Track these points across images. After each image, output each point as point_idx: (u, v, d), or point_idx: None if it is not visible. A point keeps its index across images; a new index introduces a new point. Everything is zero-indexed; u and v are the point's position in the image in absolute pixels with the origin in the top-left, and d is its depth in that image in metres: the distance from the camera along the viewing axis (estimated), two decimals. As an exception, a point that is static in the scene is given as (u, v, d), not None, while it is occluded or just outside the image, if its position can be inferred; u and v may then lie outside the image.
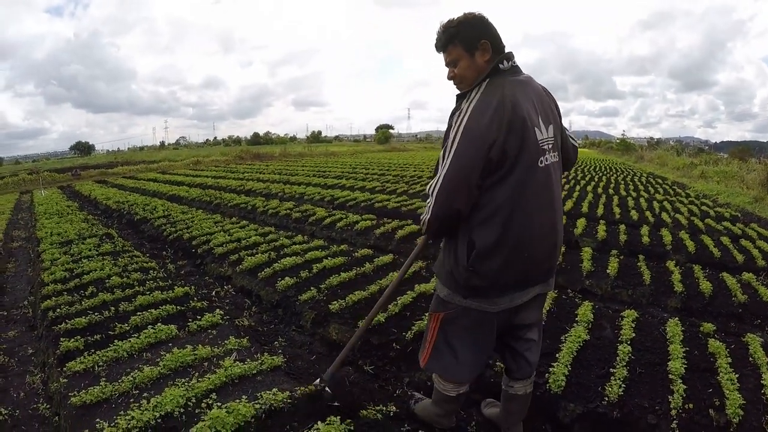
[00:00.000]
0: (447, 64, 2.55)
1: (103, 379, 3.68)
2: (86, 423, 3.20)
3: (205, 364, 3.95)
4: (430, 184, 2.45)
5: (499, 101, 2.27)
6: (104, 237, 9.18)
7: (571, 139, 2.83)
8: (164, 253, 8.71)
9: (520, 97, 2.33)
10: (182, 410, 3.23)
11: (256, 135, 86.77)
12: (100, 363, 3.94)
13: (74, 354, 4.12)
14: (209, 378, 3.60)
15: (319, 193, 14.21)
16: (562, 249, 7.19)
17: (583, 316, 4.59)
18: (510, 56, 2.45)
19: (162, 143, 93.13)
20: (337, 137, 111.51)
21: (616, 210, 11.26)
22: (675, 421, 3.10)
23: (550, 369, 3.62)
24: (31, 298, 6.50)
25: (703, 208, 12.70)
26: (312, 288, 5.60)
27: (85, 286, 5.94)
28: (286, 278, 5.94)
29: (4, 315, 6.04)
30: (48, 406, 3.85)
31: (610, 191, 15.71)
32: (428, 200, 2.46)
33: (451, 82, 2.57)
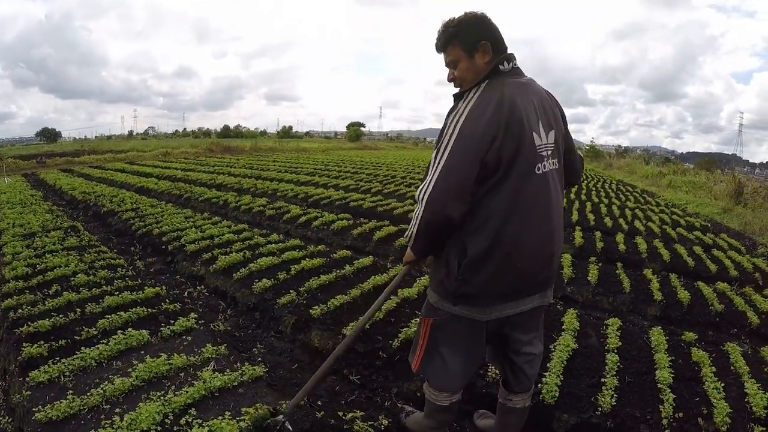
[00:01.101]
0: (447, 65, 2.49)
1: (70, 391, 3.38)
2: (53, 442, 2.92)
3: (182, 374, 3.70)
4: (419, 188, 2.33)
5: (497, 103, 2.19)
6: (69, 230, 8.76)
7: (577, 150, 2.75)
8: (132, 248, 8.36)
9: (519, 100, 2.25)
10: (159, 428, 2.99)
11: (226, 128, 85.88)
12: (66, 373, 3.64)
13: (38, 361, 3.81)
14: (187, 391, 3.36)
15: (292, 190, 14.00)
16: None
17: (569, 324, 4.52)
18: (511, 57, 2.38)
19: (130, 133, 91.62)
20: (308, 133, 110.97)
21: (590, 216, 11.24)
22: (667, 430, 3.13)
23: (543, 379, 3.56)
24: (-11, 296, 6.10)
25: (674, 217, 12.84)
26: (291, 291, 5.39)
27: (49, 284, 5.59)
28: (263, 280, 5.70)
29: (-41, 313, 5.63)
30: (10, 419, 3.54)
31: (583, 197, 15.89)
32: (416, 208, 2.36)
33: (452, 84, 2.50)
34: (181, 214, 10.19)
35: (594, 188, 19.74)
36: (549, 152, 2.37)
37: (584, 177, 25.97)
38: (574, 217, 11.15)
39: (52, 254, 6.90)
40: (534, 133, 2.27)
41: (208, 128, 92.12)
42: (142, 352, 4.03)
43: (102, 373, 3.70)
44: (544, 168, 2.34)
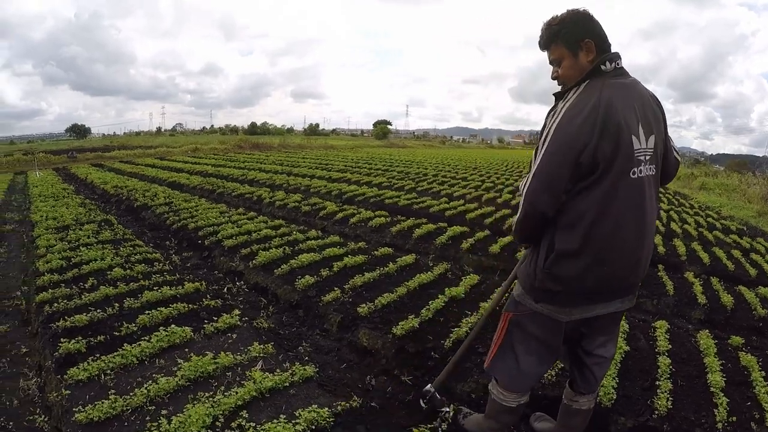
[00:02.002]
0: (550, 63, 2.43)
1: (112, 390, 3.17)
2: (94, 445, 2.70)
3: (229, 374, 3.49)
4: (522, 182, 2.35)
5: (594, 104, 2.14)
6: (103, 223, 8.65)
7: (674, 153, 2.63)
8: (168, 243, 8.21)
9: (619, 102, 2.18)
10: (209, 431, 2.76)
11: (253, 125, 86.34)
12: (107, 370, 3.43)
13: (75, 358, 3.61)
14: (237, 392, 3.16)
15: (325, 186, 13.84)
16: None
17: (620, 327, 4.22)
18: (615, 57, 2.31)
19: (158, 129, 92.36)
20: (334, 131, 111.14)
21: None
22: None
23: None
24: (24, 288, 5.92)
25: (709, 219, 12.50)
26: (335, 288, 5.20)
27: (85, 278, 5.42)
28: (306, 276, 5.50)
29: (-7, 307, 5.46)
30: (46, 418, 3.30)
31: None
32: (521, 197, 2.33)
33: (555, 82, 2.44)
34: (215, 209, 10.06)
35: None
36: (647, 157, 2.28)
37: None
38: None
39: (86, 247, 6.75)
40: (633, 137, 2.19)
41: (235, 125, 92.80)
42: (186, 349, 3.82)
43: (145, 371, 3.49)
44: (641, 173, 2.25)
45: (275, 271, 5.89)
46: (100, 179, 15.96)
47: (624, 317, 4.49)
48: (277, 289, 5.59)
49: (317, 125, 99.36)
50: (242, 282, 6.08)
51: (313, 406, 3.02)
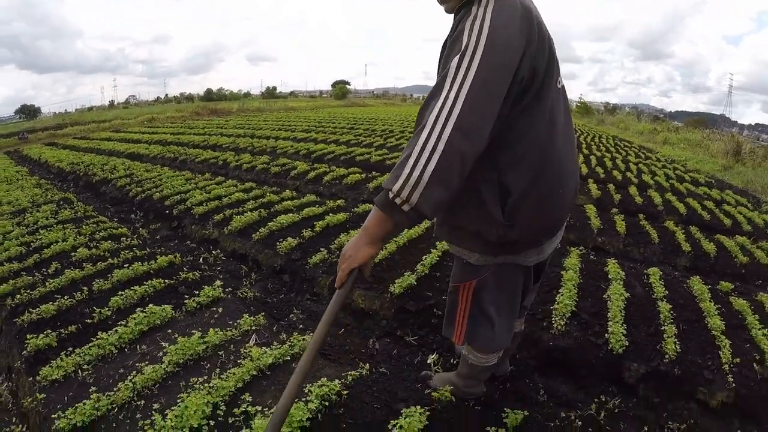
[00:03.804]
0: None
1: (92, 387, 2.79)
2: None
3: (221, 353, 3.16)
4: (432, 108, 1.65)
5: (522, 8, 1.74)
6: (62, 202, 8.12)
7: None
8: (133, 216, 7.78)
9: (535, 8, 1.84)
10: (211, 422, 2.46)
11: (209, 91, 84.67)
12: (84, 365, 3.04)
13: (47, 354, 3.21)
14: (234, 373, 2.83)
15: (291, 147, 13.54)
16: None
17: (615, 274, 4.40)
18: None
19: (111, 103, 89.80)
20: (292, 93, 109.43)
21: (599, 170, 11.37)
22: (729, 376, 3.05)
23: (608, 329, 3.42)
24: (-19, 283, 5.47)
25: (677, 172, 12.87)
26: (321, 249, 4.95)
27: (47, 262, 4.95)
28: (288, 239, 5.20)
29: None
30: (24, 428, 2.91)
31: (584, 150, 15.84)
32: (425, 136, 1.62)
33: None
34: (180, 176, 9.61)
35: (592, 143, 19.69)
36: (557, 65, 1.97)
37: (579, 131, 26.36)
38: (584, 169, 11.19)
39: (46, 229, 6.24)
40: (552, 43, 1.89)
41: (190, 93, 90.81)
42: (169, 330, 3.47)
43: (126, 360, 3.13)
44: (561, 82, 2.01)
45: (253, 235, 5.58)
46: (54, 158, 15.23)
47: (617, 264, 4.63)
48: (257, 254, 5.29)
49: (275, 88, 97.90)
50: (218, 250, 5.75)
51: (322, 379, 2.74)
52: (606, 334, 3.35)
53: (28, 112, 78.95)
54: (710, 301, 3.98)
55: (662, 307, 3.76)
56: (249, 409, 2.54)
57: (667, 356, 3.17)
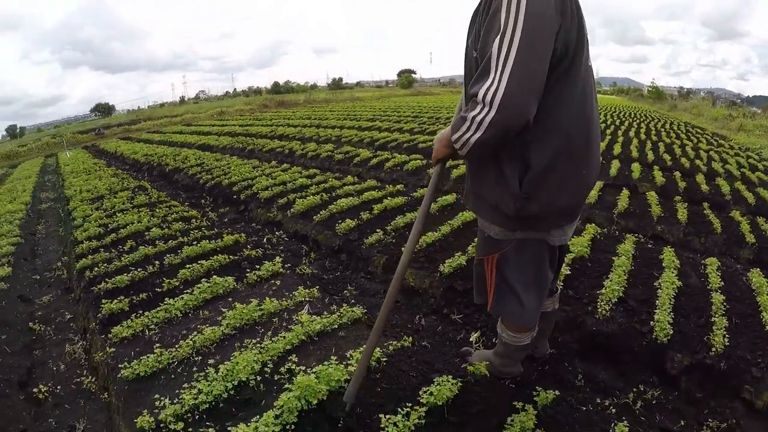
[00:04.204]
0: None
1: (157, 344, 3.07)
2: (142, 399, 2.64)
3: (275, 320, 3.37)
4: (481, 86, 1.78)
5: None
6: (137, 189, 8.62)
7: None
8: (203, 201, 8.21)
9: None
10: (258, 378, 2.66)
11: (276, 84, 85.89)
12: (151, 326, 3.35)
13: (119, 317, 3.53)
14: (284, 336, 3.02)
15: (356, 135, 13.71)
16: (627, 192, 7.27)
17: (669, 263, 4.23)
18: None
19: (182, 98, 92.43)
20: (358, 83, 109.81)
21: (666, 156, 11.01)
22: None
23: (654, 317, 3.31)
24: (64, 258, 5.96)
25: (750, 161, 12.28)
26: (377, 230, 5.08)
27: (123, 241, 5.36)
28: (347, 220, 5.38)
29: (36, 279, 5.49)
30: (94, 379, 3.28)
31: (653, 137, 15.42)
32: (475, 111, 1.81)
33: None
34: (247, 164, 9.99)
35: (663, 129, 19.12)
36: (587, 42, 2.02)
37: (650, 117, 25.67)
38: (650, 156, 10.86)
39: (122, 213, 6.71)
40: (584, 21, 1.94)
41: (258, 86, 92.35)
42: (230, 299, 3.72)
43: (189, 323, 3.40)
44: (590, 61, 2.05)
45: (314, 217, 5.80)
46: (129, 150, 16.03)
47: (673, 253, 4.48)
48: (317, 235, 5.51)
49: (341, 79, 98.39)
50: (281, 231, 6.03)
51: (364, 346, 2.88)
52: (651, 322, 3.28)
53: (103, 109, 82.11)
54: None
55: (715, 299, 3.60)
56: (293, 368, 2.72)
57: (713, 349, 3.05)
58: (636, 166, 9.12)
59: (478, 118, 1.80)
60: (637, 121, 22.71)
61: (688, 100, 46.56)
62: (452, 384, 2.51)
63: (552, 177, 1.98)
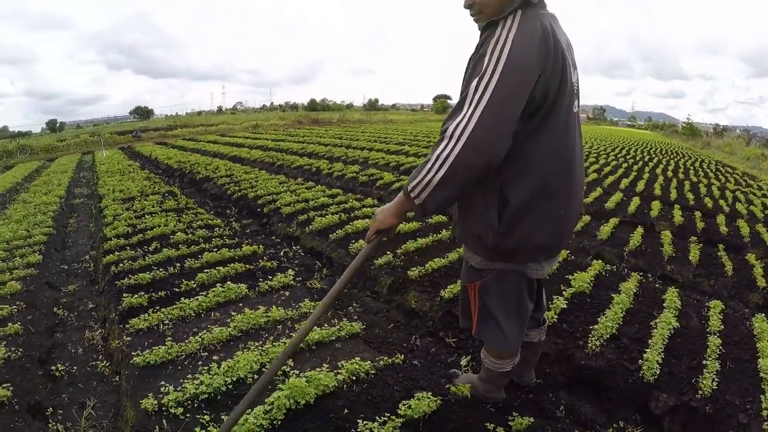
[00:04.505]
0: None
1: (169, 338, 3.37)
2: (150, 385, 2.92)
3: (279, 327, 3.63)
4: (451, 122, 1.93)
5: (542, 33, 1.93)
6: (167, 194, 9.00)
7: None
8: (228, 211, 8.52)
9: (557, 32, 2.02)
10: (255, 377, 2.92)
11: (312, 101, 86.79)
12: (166, 321, 3.65)
13: (137, 311, 3.85)
14: (285, 342, 3.28)
15: (383, 158, 13.91)
16: (641, 230, 7.17)
17: (670, 303, 4.26)
18: None
19: (219, 108, 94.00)
20: (393, 105, 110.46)
21: (689, 195, 10.86)
22: (767, 422, 2.87)
23: (643, 356, 3.36)
24: (92, 252, 6.34)
25: None
26: (388, 252, 5.26)
27: (149, 242, 5.71)
28: (360, 241, 5.61)
29: (64, 269, 5.88)
30: (108, 364, 3.60)
31: (680, 175, 15.31)
32: (441, 147, 1.93)
33: (468, 12, 2.14)
34: (274, 179, 10.30)
35: (692, 167, 18.91)
36: (577, 90, 2.18)
37: (681, 155, 25.18)
38: (673, 195, 10.74)
39: (151, 215, 7.08)
40: (571, 68, 2.06)
41: (294, 102, 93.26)
42: (240, 304, 3.99)
43: (200, 323, 3.68)
44: (576, 107, 2.15)
45: (330, 236, 6.04)
46: (163, 155, 16.53)
47: (677, 294, 4.49)
48: (331, 252, 5.74)
49: (376, 100, 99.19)
50: (298, 246, 6.28)
51: (356, 358, 3.10)
52: (640, 361, 3.32)
53: (142, 113, 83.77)
54: None
55: (711, 342, 3.62)
56: (288, 371, 2.98)
57: (701, 392, 3.07)
58: (656, 204, 9.13)
59: (443, 155, 1.91)
60: (667, 158, 22.65)
61: (722, 137, 45.82)
62: (431, 400, 2.69)
63: (529, 215, 2.09)
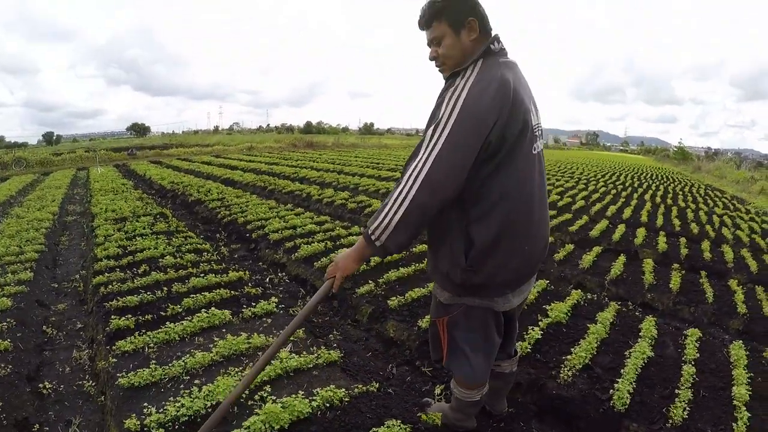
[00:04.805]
0: (429, 43, 2.30)
1: (153, 361, 3.53)
2: (133, 406, 3.06)
3: (260, 353, 3.75)
4: (409, 166, 2.10)
5: (499, 81, 2.06)
6: (158, 216, 9.15)
7: None
8: (218, 235, 8.65)
9: (515, 80, 2.15)
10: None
11: (308, 124, 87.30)
12: (151, 344, 3.80)
13: (124, 333, 4.00)
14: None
15: (374, 185, 14.04)
16: (623, 259, 7.21)
17: (647, 332, 4.37)
18: (498, 38, 2.24)
19: (216, 128, 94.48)
20: (389, 130, 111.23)
21: (676, 222, 10.92)
22: None
23: (615, 385, 3.43)
24: (83, 272, 6.49)
25: (764, 226, 12.20)
26: (370, 281, 5.38)
27: (138, 264, 5.85)
28: (344, 269, 5.69)
29: (55, 287, 6.01)
30: (94, 383, 3.74)
31: (669, 201, 15.43)
32: (399, 189, 2.09)
33: (433, 63, 2.32)
34: (265, 204, 10.44)
35: (681, 192, 19.17)
36: (539, 132, 2.32)
37: (671, 180, 25.58)
38: (659, 221, 10.83)
39: (141, 237, 7.22)
40: (530, 113, 2.20)
41: (291, 124, 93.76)
42: (224, 330, 4.14)
43: (184, 347, 3.83)
44: (538, 148, 2.28)
45: (315, 263, 6.16)
46: (157, 175, 16.69)
47: (654, 323, 4.56)
48: (315, 280, 5.86)
49: (372, 124, 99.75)
50: (284, 273, 6.41)
51: (332, 386, 3.23)
52: (612, 390, 3.38)
53: (139, 129, 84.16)
54: (745, 368, 3.82)
55: (686, 371, 3.69)
56: (266, 396, 3.11)
57: (671, 421, 3.13)
58: (641, 231, 9.22)
59: (401, 197, 2.05)
60: (656, 183, 22.94)
61: (713, 161, 46.10)
62: (401, 428, 2.82)
63: (494, 253, 2.20)
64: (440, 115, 2.06)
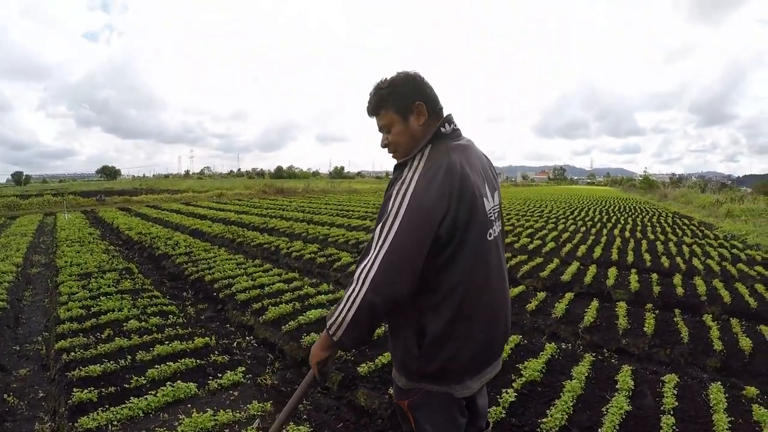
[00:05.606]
0: (380, 130, 2.29)
1: (117, 442, 3.42)
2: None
3: (226, 430, 3.70)
4: (360, 266, 2.07)
5: (446, 170, 2.02)
6: (124, 272, 9.04)
7: None
8: (185, 294, 8.52)
9: (466, 164, 2.11)
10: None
11: (279, 168, 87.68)
12: (114, 422, 3.71)
13: (87, 407, 3.91)
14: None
15: (343, 235, 14.04)
16: (596, 303, 7.17)
17: (623, 384, 4.37)
18: (450, 119, 2.24)
19: (187, 172, 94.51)
20: (359, 173, 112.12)
21: (646, 256, 11.04)
22: None
23: None
24: (45, 334, 6.32)
25: (734, 251, 12.43)
26: None
27: (102, 328, 5.76)
28: (312, 334, 5.70)
29: (16, 350, 5.85)
30: None
31: (638, 234, 15.73)
32: (351, 289, 2.06)
33: (386, 150, 2.30)
34: (233, 260, 10.37)
35: (649, 223, 19.55)
36: (496, 215, 2.29)
37: (639, 211, 26.12)
38: (630, 258, 10.92)
39: (106, 297, 7.11)
40: (484, 198, 2.16)
41: (261, 169, 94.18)
42: (189, 405, 4.06)
43: (149, 424, 3.74)
44: (494, 233, 2.24)
45: (283, 327, 6.09)
46: (125, 225, 16.54)
47: (630, 372, 4.58)
48: (284, 345, 5.78)
49: (342, 168, 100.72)
50: (252, 337, 6.32)
51: None
52: None
53: (109, 172, 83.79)
54: (725, 412, 3.85)
55: (665, 422, 3.70)
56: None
57: None
58: (612, 271, 9.25)
59: (352, 297, 2.02)
60: (624, 216, 23.33)
61: (678, 187, 47.12)
62: None
63: (448, 342, 2.12)
64: (388, 212, 2.03)
